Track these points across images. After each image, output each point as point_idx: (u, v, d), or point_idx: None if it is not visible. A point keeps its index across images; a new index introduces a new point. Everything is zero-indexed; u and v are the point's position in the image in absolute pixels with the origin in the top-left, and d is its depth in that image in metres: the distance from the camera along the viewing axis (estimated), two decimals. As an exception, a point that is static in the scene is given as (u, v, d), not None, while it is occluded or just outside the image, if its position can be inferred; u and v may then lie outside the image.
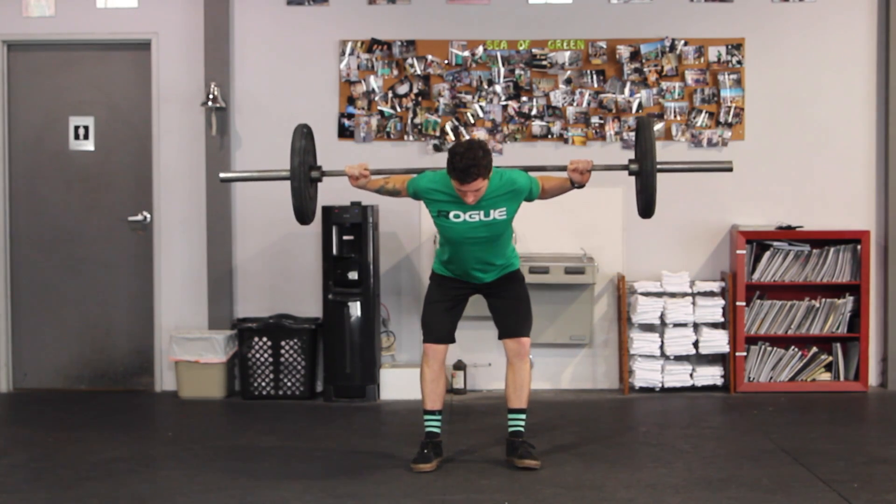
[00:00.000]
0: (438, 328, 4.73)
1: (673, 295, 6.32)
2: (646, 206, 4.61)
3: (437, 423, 4.74)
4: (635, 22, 6.47)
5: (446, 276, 4.77)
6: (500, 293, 4.76)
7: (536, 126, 6.48)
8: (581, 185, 4.62)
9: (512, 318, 4.75)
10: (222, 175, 5.05)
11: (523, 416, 4.75)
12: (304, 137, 4.66)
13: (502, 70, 6.48)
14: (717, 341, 6.26)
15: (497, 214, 4.55)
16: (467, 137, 6.43)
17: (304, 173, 4.62)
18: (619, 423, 5.72)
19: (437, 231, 4.73)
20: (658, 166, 4.52)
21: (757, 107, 6.48)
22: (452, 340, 4.78)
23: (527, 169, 4.69)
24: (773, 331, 6.34)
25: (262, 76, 6.54)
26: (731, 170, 4.82)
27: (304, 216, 4.69)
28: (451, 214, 4.56)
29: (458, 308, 4.81)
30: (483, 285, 4.76)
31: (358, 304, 6.16)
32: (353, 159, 6.43)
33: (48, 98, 6.61)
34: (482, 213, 4.53)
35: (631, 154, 6.34)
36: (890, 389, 6.39)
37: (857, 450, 4.96)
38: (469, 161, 4.33)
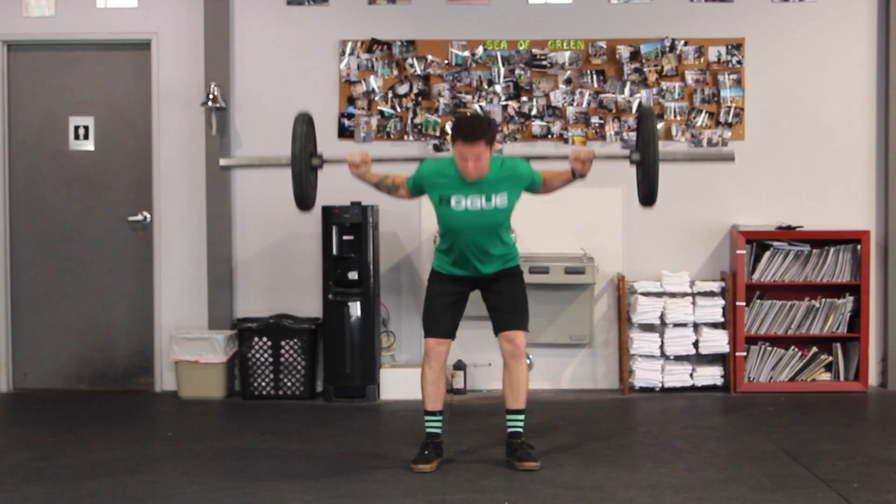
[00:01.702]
0: (439, 323, 4.72)
1: (673, 295, 6.32)
2: (647, 195, 4.62)
3: (438, 424, 4.73)
4: (635, 22, 6.47)
5: (446, 273, 4.75)
6: (498, 287, 4.71)
7: (536, 126, 6.48)
8: (583, 176, 4.64)
9: (507, 313, 4.72)
10: (222, 162, 5.10)
11: (521, 417, 4.74)
12: (305, 124, 4.69)
13: (502, 70, 6.48)
14: (717, 341, 6.26)
15: (498, 201, 4.56)
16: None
17: (306, 159, 4.64)
18: (619, 423, 5.72)
19: (438, 222, 4.72)
20: (660, 156, 4.54)
21: (757, 107, 6.48)
22: (453, 336, 4.77)
23: (528, 158, 4.74)
24: (773, 331, 6.34)
25: (262, 76, 6.54)
26: (732, 159, 4.86)
27: (304, 202, 4.71)
28: (453, 200, 4.56)
29: (459, 304, 4.78)
30: (482, 279, 4.71)
31: (358, 304, 6.16)
32: (353, 159, 6.48)
33: (48, 98, 6.61)
34: (483, 197, 4.54)
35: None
36: (890, 389, 6.39)
37: (857, 450, 4.96)
38: (474, 124, 4.46)
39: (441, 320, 4.73)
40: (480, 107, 6.47)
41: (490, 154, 4.50)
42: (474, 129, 4.43)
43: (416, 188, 4.71)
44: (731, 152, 4.90)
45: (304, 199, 4.69)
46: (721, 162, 4.98)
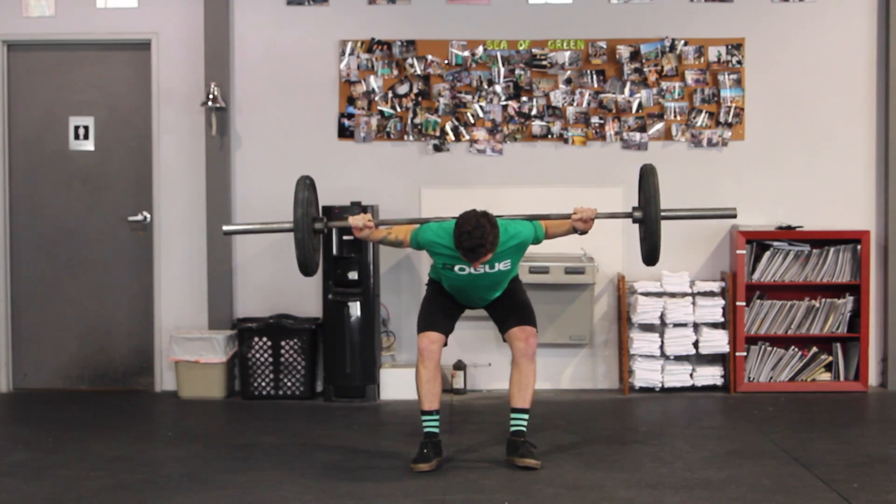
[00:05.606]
0: (434, 320, 4.75)
1: (673, 295, 6.31)
2: (650, 254, 4.64)
3: (436, 423, 4.73)
4: (635, 22, 6.47)
5: (445, 287, 4.82)
6: (499, 298, 4.80)
7: (536, 126, 6.48)
8: (584, 233, 4.68)
9: (514, 311, 4.77)
10: (225, 228, 5.08)
11: (526, 416, 4.75)
12: (306, 189, 4.64)
13: (502, 70, 6.48)
14: (717, 341, 6.26)
15: (502, 266, 4.61)
16: (469, 139, 6.43)
17: (308, 225, 4.59)
18: (619, 423, 5.72)
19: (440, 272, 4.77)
20: (662, 213, 4.54)
21: (757, 107, 6.48)
22: (447, 335, 4.79)
23: (531, 218, 4.70)
24: (773, 331, 6.34)
25: (262, 76, 6.54)
26: (734, 216, 4.83)
27: (307, 268, 4.68)
28: (457, 268, 4.61)
29: (455, 311, 4.85)
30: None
31: (358, 304, 6.16)
32: (353, 159, 6.48)
33: (48, 98, 6.61)
34: (487, 266, 4.58)
35: (631, 154, 6.40)
36: (890, 389, 6.39)
37: (857, 450, 4.96)
38: (477, 241, 4.33)
39: (436, 318, 4.76)
40: (480, 106, 6.47)
41: (494, 251, 4.45)
42: (477, 252, 4.35)
43: (417, 248, 4.77)
44: (734, 209, 4.86)
45: (308, 264, 4.66)
46: (723, 218, 5.04)
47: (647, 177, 4.58)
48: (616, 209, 6.43)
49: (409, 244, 4.75)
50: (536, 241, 4.67)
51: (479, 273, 4.59)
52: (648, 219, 4.54)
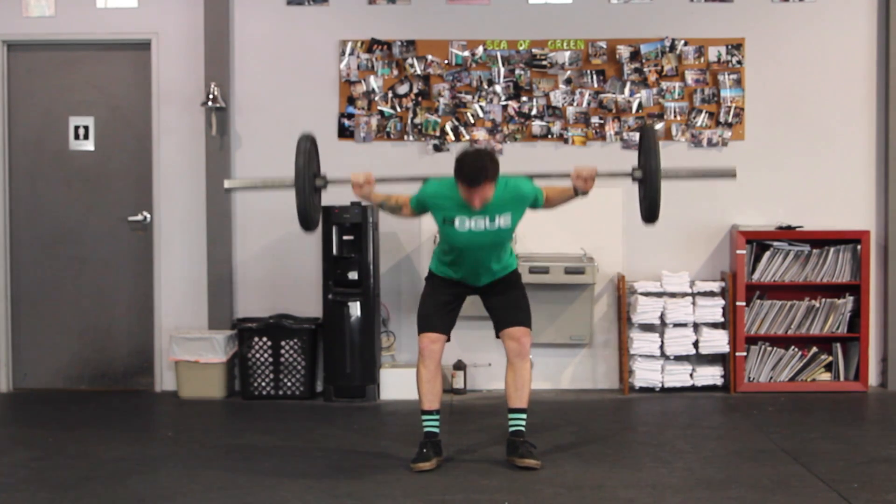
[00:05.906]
0: (434, 319, 4.73)
1: (673, 295, 6.32)
2: (650, 211, 4.63)
3: (436, 423, 4.74)
4: (635, 22, 6.47)
5: (444, 277, 4.79)
6: (497, 290, 4.78)
7: (536, 126, 6.48)
8: (585, 193, 4.65)
9: (510, 310, 4.75)
10: (227, 184, 5.09)
11: (524, 416, 4.75)
12: (308, 141, 4.68)
13: (502, 70, 6.48)
14: (717, 341, 6.26)
15: (502, 222, 4.58)
16: (469, 139, 6.44)
17: (309, 176, 4.61)
18: (619, 423, 5.72)
19: (441, 237, 4.75)
20: (662, 173, 4.54)
21: (757, 107, 6.48)
22: (447, 333, 4.78)
23: (531, 176, 4.71)
24: (773, 331, 6.34)
25: (262, 76, 6.54)
26: (734, 176, 4.85)
27: (307, 220, 4.66)
28: (457, 221, 4.58)
29: (455, 305, 4.81)
30: (480, 286, 4.79)
31: (358, 304, 6.16)
32: (354, 159, 6.48)
33: (48, 98, 6.61)
34: (487, 219, 4.55)
35: (631, 154, 6.39)
36: (890, 389, 6.39)
37: (857, 450, 4.96)
38: (477, 169, 4.37)
39: (436, 317, 4.74)
40: (480, 106, 6.47)
41: (495, 185, 4.47)
42: (478, 176, 4.38)
43: (419, 207, 4.73)
44: (733, 168, 4.90)
45: (308, 216, 4.65)
46: (722, 177, 5.09)
47: (646, 133, 4.62)
48: (616, 210, 6.45)
49: (409, 206, 4.72)
50: (535, 205, 4.65)
51: (480, 231, 4.56)
52: (648, 172, 4.55)
